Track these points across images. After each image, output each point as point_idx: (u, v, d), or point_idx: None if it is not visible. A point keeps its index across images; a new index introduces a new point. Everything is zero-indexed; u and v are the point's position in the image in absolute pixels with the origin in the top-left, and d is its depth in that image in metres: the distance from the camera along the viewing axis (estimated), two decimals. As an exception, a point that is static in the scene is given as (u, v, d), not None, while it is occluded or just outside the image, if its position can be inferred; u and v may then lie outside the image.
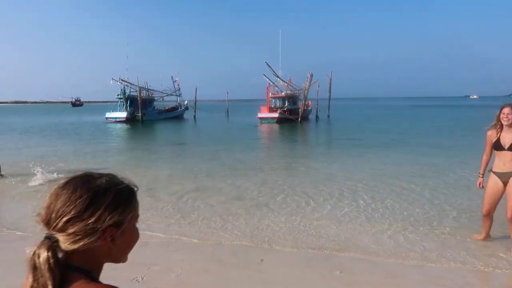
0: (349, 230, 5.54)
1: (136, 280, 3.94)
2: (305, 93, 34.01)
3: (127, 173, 10.31)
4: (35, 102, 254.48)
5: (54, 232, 0.89)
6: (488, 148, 4.60)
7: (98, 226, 0.90)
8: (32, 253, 0.88)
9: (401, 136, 20.31)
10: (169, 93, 47.89)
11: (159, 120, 40.42)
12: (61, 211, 0.89)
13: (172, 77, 49.93)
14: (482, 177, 4.76)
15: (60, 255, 0.90)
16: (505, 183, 4.46)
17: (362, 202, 6.99)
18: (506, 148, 4.36)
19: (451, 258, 4.45)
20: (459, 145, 15.18)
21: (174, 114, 46.27)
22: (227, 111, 48.68)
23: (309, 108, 40.31)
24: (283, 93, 37.40)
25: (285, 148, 17.97)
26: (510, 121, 4.31)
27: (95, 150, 15.73)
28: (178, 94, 49.66)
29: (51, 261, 0.87)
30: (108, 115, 38.74)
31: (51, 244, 0.89)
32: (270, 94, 37.13)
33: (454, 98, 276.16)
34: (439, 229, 5.47)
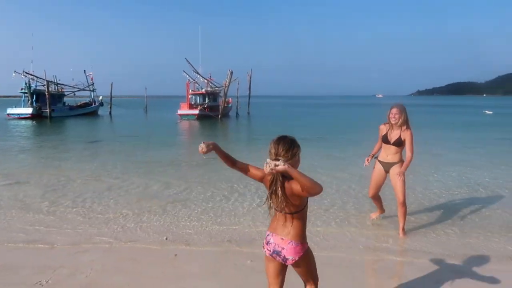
0: (261, 223, 5.81)
1: (40, 284, 3.75)
2: (225, 90, 34.27)
3: (33, 173, 9.57)
4: None
5: (279, 157, 2.30)
6: (379, 139, 5.21)
7: (295, 152, 2.38)
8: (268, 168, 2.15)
9: (315, 132, 21.53)
10: (82, 88, 44.88)
11: (71, 117, 37.77)
12: (281, 148, 2.35)
13: (85, 71, 46.83)
14: (371, 157, 5.34)
15: None
16: (387, 172, 5.16)
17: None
18: (391, 142, 5.00)
19: (350, 238, 4.95)
20: (363, 140, 16.55)
21: (87, 110, 43.51)
22: (146, 108, 47.11)
23: (230, 105, 40.73)
24: (203, 90, 37.29)
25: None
26: (397, 120, 4.91)
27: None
28: (91, 89, 46.74)
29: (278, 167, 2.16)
30: (10, 111, 35.21)
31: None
32: (190, 90, 36.78)
33: (364, 97, 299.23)
34: (340, 214, 6.00)
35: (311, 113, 48.66)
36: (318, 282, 2.70)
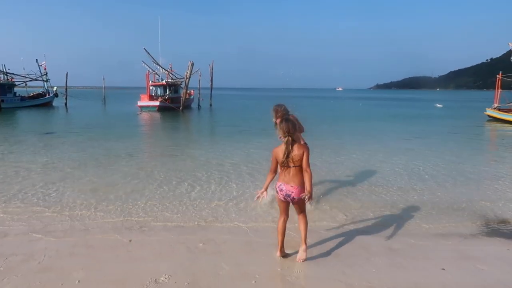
0: (212, 208, 6.05)
1: (-7, 271, 3.80)
2: (186, 82, 33.97)
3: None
4: None
5: (291, 133, 3.88)
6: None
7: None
8: (286, 139, 3.85)
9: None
10: (34, 77, 42.79)
11: (22, 108, 36.04)
12: (290, 126, 3.88)
13: (37, 60, 44.64)
14: None
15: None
16: None
17: (228, 184, 7.61)
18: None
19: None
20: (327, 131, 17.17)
21: (41, 102, 41.60)
22: (104, 99, 45.78)
23: (191, 97, 40.40)
24: (164, 81, 36.74)
25: (165, 136, 17.93)
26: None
27: None
28: (45, 79, 44.64)
29: (290, 139, 3.86)
30: (-46, 101, 33.09)
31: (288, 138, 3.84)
32: (150, 82, 36.13)
33: (325, 90, 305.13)
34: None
35: (266, 105, 49.19)
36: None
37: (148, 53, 35.72)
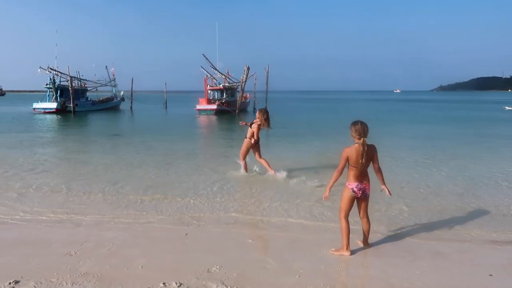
0: (262, 207, 6.35)
1: (69, 255, 4.38)
2: (242, 86, 34.78)
3: (59, 163, 10.36)
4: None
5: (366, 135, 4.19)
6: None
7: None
8: (362, 141, 4.14)
9: (328, 127, 21.88)
10: (104, 83, 46.20)
11: (93, 112, 39.00)
12: (366, 129, 4.19)
13: (106, 66, 48.19)
14: None
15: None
16: None
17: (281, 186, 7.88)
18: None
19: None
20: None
21: (109, 105, 44.78)
22: (165, 103, 48.09)
23: (247, 100, 41.26)
24: (221, 85, 37.89)
25: (221, 138, 18.61)
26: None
27: (22, 142, 15.18)
28: (113, 84, 48.05)
29: (365, 142, 4.18)
30: (36, 105, 36.64)
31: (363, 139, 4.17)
32: (208, 86, 37.43)
33: (382, 92, 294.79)
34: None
35: (325, 108, 48.82)
36: None
37: (207, 58, 37.05)
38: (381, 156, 10.20)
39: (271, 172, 8.52)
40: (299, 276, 3.84)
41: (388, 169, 9.31)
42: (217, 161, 10.76)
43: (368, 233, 4.57)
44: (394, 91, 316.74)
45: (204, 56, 36.95)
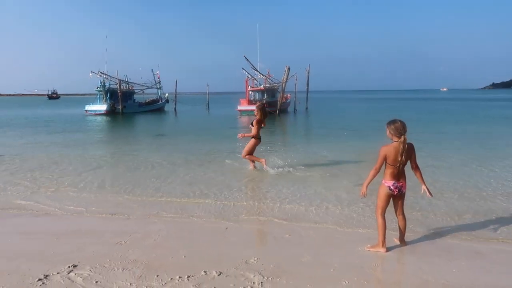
0: (300, 204, 6.48)
1: (120, 244, 4.76)
2: (283, 86, 34.92)
3: (109, 160, 11.04)
4: (9, 95, 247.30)
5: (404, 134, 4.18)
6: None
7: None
8: (402, 139, 4.15)
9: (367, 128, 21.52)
10: (150, 86, 48.04)
11: (140, 113, 40.69)
12: (405, 126, 4.21)
13: (152, 70, 50.08)
14: None
15: None
16: None
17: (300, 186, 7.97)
18: None
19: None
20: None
21: (155, 107, 46.53)
22: (208, 104, 49.17)
23: (288, 101, 41.33)
24: (261, 86, 38.23)
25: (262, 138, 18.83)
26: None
27: (76, 141, 16.26)
28: (158, 87, 49.82)
29: (406, 140, 4.19)
30: (87, 107, 38.84)
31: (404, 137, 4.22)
32: (249, 87, 37.90)
33: (427, 91, 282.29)
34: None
35: (365, 108, 47.81)
36: None
37: (248, 60, 37.56)
38: (424, 155, 10.04)
39: (251, 166, 9.27)
40: (333, 270, 3.96)
41: (431, 169, 9.12)
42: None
43: (405, 231, 4.59)
44: (441, 89, 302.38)
45: (245, 57, 37.49)
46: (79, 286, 3.62)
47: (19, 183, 8.37)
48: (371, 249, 4.45)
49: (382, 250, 4.39)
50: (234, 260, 4.21)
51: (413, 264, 4.12)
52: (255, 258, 4.25)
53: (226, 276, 3.83)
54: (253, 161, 9.29)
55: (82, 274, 3.88)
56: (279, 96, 36.41)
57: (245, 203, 6.70)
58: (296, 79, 39.25)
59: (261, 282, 3.69)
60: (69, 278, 3.78)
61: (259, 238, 5.00)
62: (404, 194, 4.45)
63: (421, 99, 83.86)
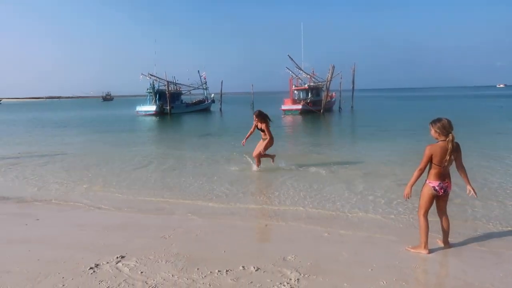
0: (341, 203, 6.43)
1: (164, 237, 5.00)
2: (327, 85, 34.48)
3: (157, 158, 11.52)
4: (68, 97, 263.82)
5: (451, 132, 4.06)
6: None
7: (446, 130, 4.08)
8: (450, 137, 4.01)
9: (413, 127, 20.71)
10: (196, 86, 49.27)
11: (187, 113, 41.86)
12: (452, 124, 4.07)
13: (198, 71, 51.33)
14: None
15: None
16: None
17: (359, 186, 7.85)
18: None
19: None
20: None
21: (201, 107, 47.65)
22: (252, 104, 49.58)
23: (333, 99, 40.73)
24: (306, 85, 37.97)
25: (304, 137, 18.79)
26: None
27: (127, 140, 17.11)
28: (204, 87, 50.97)
29: (454, 140, 4.03)
30: (138, 108, 40.52)
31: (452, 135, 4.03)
32: (293, 86, 37.78)
33: (482, 87, 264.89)
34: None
35: (415, 106, 45.94)
36: None
37: (292, 59, 37.45)
38: (476, 156, 9.62)
39: (256, 168, 9.33)
40: (371, 270, 3.92)
41: (484, 169, 8.67)
42: (299, 159, 10.99)
43: (448, 232, 4.43)
44: (497, 85, 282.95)
45: (289, 56, 37.41)
46: (126, 276, 3.86)
47: (74, 179, 8.99)
48: (412, 250, 4.35)
49: (424, 251, 4.27)
50: (272, 257, 4.28)
51: (456, 266, 3.98)
52: (292, 255, 4.30)
53: (264, 271, 3.92)
54: (260, 162, 9.41)
55: (128, 264, 4.13)
56: (323, 95, 35.96)
57: (286, 201, 6.75)
58: (341, 78, 38.63)
59: (298, 279, 3.73)
60: (117, 268, 4.04)
61: (298, 235, 5.03)
62: (448, 194, 4.31)
63: (475, 96, 79.23)
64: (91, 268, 4.04)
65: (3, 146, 16.20)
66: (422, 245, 4.30)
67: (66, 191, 7.96)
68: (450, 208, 5.64)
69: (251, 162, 9.76)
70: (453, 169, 4.24)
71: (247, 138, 9.63)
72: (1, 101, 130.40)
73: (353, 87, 40.01)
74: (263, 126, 9.20)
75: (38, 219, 5.98)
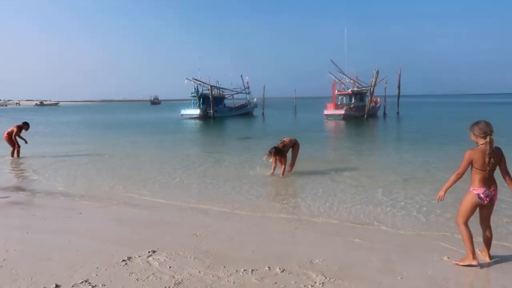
0: (376, 210, 6.26)
1: (195, 235, 5.11)
2: (371, 90, 33.66)
3: (198, 160, 11.79)
4: (119, 101, 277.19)
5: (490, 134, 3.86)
6: None
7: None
8: (488, 139, 3.81)
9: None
10: (239, 91, 49.92)
11: (229, 117, 42.49)
12: (491, 126, 3.88)
13: (241, 76, 52.01)
14: None
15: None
16: None
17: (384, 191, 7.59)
18: None
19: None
20: None
21: (244, 111, 48.18)
22: (295, 108, 49.48)
23: (377, 105, 39.69)
24: (349, 90, 37.31)
25: (346, 142, 18.45)
26: None
27: (173, 141, 17.67)
28: (247, 92, 51.54)
29: (493, 140, 3.84)
30: (183, 112, 41.68)
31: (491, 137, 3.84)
32: (336, 91, 37.25)
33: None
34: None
35: (462, 113, 43.67)
36: None
37: (335, 64, 37.01)
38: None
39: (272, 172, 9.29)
40: (401, 278, 3.78)
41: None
42: (338, 164, 10.83)
43: (490, 244, 4.17)
44: None
45: (332, 61, 37.00)
46: (155, 269, 4.00)
47: (116, 178, 9.43)
48: (461, 263, 4.02)
49: (474, 262, 3.95)
50: (299, 259, 4.25)
51: (495, 280, 3.75)
52: (320, 259, 4.24)
53: (289, 273, 3.90)
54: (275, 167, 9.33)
55: (159, 259, 4.27)
56: (367, 100, 35.13)
57: (319, 205, 6.68)
58: (385, 83, 37.56)
59: (322, 283, 3.68)
60: (147, 262, 4.19)
61: (328, 240, 4.95)
62: (494, 203, 4.04)
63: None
64: (123, 260, 4.21)
65: (55, 145, 17.31)
66: (470, 255, 3.97)
67: (108, 188, 8.36)
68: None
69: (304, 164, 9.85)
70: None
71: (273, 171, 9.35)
72: (59, 104, 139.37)
73: (398, 92, 38.77)
74: (281, 159, 9.07)
75: (81, 213, 6.32)
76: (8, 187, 8.63)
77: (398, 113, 38.48)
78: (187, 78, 41.61)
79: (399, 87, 38.35)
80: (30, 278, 3.79)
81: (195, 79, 41.75)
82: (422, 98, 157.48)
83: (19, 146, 12.71)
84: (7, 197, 7.60)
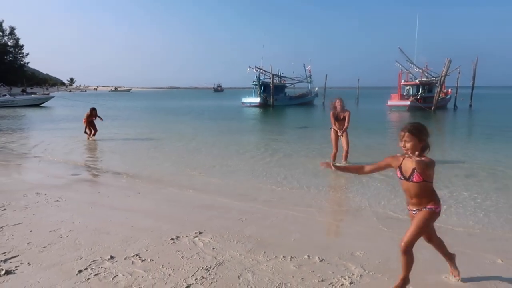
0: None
1: (241, 220, 5.29)
2: (441, 81, 31.60)
3: (253, 148, 12.03)
4: (185, 88, 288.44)
5: None
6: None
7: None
8: None
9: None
10: (301, 80, 49.47)
11: (289, 106, 42.35)
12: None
13: (304, 64, 51.45)
14: None
15: None
16: None
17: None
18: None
19: None
20: None
21: (304, 101, 47.71)
22: (357, 98, 48.03)
23: (448, 96, 37.21)
24: (417, 80, 35.36)
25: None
26: None
27: (231, 128, 18.15)
28: (309, 81, 50.92)
29: None
30: (244, 100, 42.31)
31: None
32: (403, 81, 35.52)
33: None
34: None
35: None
36: None
37: (403, 52, 35.22)
38: None
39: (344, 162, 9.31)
40: (445, 277, 3.64)
41: None
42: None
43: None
44: None
45: (400, 49, 35.24)
46: (199, 249, 4.23)
47: (175, 161, 9.97)
48: None
49: None
50: (340, 250, 4.25)
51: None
52: (361, 252, 4.20)
53: (328, 263, 3.92)
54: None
55: (204, 240, 4.50)
56: (436, 91, 33.01)
57: (367, 199, 6.51)
58: (459, 73, 34.94)
59: (361, 275, 3.66)
60: (193, 242, 4.44)
61: (374, 234, 4.86)
62: None
63: None
64: (172, 238, 4.50)
65: (121, 128, 18.59)
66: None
67: (168, 171, 8.85)
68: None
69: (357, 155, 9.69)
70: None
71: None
72: (131, 90, 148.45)
73: (473, 83, 35.95)
74: (346, 114, 9.73)
75: (139, 193, 6.80)
76: (81, 165, 9.50)
77: (471, 105, 35.80)
78: (249, 67, 42.07)
79: (474, 77, 35.57)
80: (89, 248, 4.21)
81: (257, 68, 42.08)
82: (503, 90, 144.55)
83: (95, 129, 13.94)
84: (79, 174, 8.39)
